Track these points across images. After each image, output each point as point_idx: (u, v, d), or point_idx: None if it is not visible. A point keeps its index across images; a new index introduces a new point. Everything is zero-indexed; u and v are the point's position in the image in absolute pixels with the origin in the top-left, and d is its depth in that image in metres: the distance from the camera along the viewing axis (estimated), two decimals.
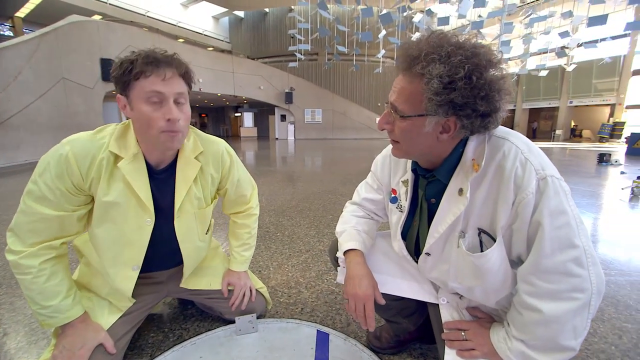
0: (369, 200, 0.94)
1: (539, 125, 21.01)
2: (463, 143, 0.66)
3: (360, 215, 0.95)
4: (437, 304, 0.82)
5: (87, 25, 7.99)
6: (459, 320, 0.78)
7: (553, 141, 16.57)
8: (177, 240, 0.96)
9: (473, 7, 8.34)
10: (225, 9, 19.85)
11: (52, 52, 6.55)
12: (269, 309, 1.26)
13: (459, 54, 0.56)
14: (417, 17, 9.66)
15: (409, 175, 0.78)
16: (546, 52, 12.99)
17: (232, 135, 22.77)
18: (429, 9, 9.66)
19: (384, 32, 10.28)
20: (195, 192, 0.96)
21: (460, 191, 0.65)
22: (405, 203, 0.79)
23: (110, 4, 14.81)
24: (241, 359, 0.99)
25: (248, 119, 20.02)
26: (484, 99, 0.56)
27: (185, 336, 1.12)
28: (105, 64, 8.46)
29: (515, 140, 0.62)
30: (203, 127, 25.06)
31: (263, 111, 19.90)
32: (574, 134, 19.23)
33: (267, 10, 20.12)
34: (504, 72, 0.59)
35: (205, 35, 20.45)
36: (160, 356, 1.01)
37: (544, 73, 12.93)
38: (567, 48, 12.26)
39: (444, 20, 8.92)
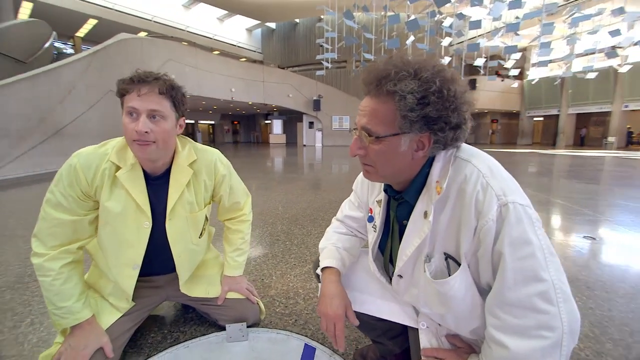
0: (351, 217, 0.94)
1: (588, 132, 19.24)
2: (429, 164, 0.65)
3: (342, 232, 0.95)
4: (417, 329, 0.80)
5: (132, 42, 8.76)
6: (436, 348, 0.75)
7: (605, 149, 15.10)
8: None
9: (508, 9, 7.94)
10: (258, 21, 20.73)
11: (101, 67, 7.26)
12: (262, 318, 1.28)
13: (427, 70, 0.57)
14: (448, 22, 9.39)
15: (382, 196, 0.77)
16: (594, 53, 11.95)
17: (262, 142, 23.51)
18: (460, 12, 9.36)
19: (412, 38, 10.12)
20: (188, 196, 1.03)
21: (425, 214, 0.64)
22: (378, 223, 0.78)
23: (154, 21, 16.13)
24: None
25: (277, 126, 20.59)
26: (455, 110, 0.58)
27: (182, 339, 1.18)
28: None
29: (478, 163, 0.60)
30: (235, 134, 26.17)
31: (292, 118, 20.36)
32: (631, 141, 17.36)
33: (297, 20, 20.72)
34: (465, 86, 0.60)
35: (238, 46, 21.48)
36: (155, 356, 1.07)
37: (592, 75, 11.90)
38: (619, 48, 11.19)
39: (476, 24, 8.59)
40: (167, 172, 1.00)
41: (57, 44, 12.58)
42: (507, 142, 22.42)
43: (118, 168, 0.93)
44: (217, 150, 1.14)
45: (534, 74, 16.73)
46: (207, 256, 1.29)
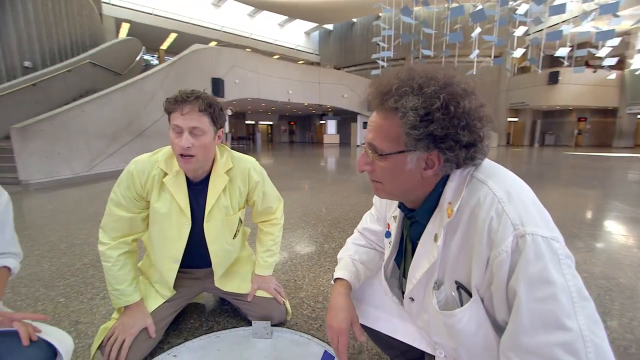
0: (370, 230, 0.92)
1: None
2: (444, 182, 0.60)
3: (361, 244, 0.93)
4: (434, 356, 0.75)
5: (204, 52, 9.72)
6: None
7: None
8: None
9: None
10: (316, 24, 21.21)
11: (178, 76, 8.23)
12: (288, 319, 1.33)
13: (432, 85, 0.53)
14: (522, 9, 8.36)
15: (398, 212, 0.74)
16: None
17: (316, 142, 23.99)
18: None
19: (478, 30, 9.26)
20: (224, 201, 1.13)
21: (435, 237, 0.59)
22: (393, 240, 0.75)
23: (223, 31, 17.67)
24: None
25: (331, 126, 20.79)
26: (465, 128, 0.52)
27: (215, 328, 1.28)
28: (215, 82, 10.13)
29: (494, 185, 0.53)
30: (291, 134, 27.20)
31: (346, 119, 20.36)
32: None
33: (354, 20, 20.61)
34: (481, 100, 0.54)
35: (297, 50, 22.29)
36: (189, 341, 1.19)
37: None
38: None
39: (559, 9, 7.47)
40: (207, 178, 1.11)
41: (146, 57, 14.67)
42: (599, 145, 18.93)
43: (165, 174, 1.06)
44: (252, 158, 1.23)
45: None
46: (241, 254, 1.39)
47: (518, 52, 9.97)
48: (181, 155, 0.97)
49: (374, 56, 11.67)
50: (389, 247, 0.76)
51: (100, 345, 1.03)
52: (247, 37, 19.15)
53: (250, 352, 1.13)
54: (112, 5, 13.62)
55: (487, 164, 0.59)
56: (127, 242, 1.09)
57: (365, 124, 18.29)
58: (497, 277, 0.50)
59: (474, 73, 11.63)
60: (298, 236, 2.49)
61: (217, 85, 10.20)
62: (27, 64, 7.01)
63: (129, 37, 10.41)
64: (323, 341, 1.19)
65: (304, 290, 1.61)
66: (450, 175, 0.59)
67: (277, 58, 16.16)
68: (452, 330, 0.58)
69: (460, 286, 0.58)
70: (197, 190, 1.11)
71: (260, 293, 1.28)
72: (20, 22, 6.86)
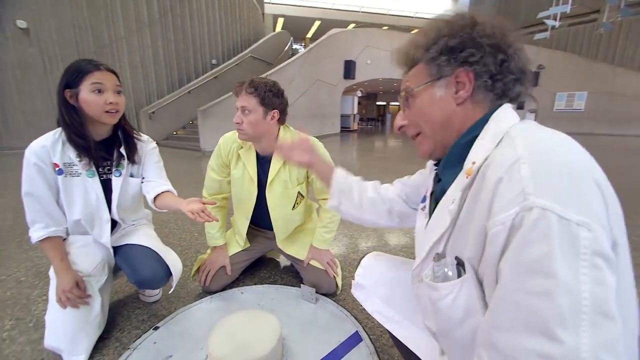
0: (406, 180, 0.82)
1: None
2: (482, 124, 0.51)
3: (378, 186, 0.85)
4: None
5: (339, 36, 10.20)
6: None
7: None
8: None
9: None
10: None
11: (313, 61, 9.06)
12: (337, 293, 1.40)
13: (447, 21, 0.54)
14: None
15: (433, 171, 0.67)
16: None
17: None
18: None
19: None
20: (283, 175, 1.30)
21: (453, 202, 0.51)
22: (427, 207, 0.65)
23: (362, 11, 17.81)
24: (293, 317, 1.23)
25: None
26: (486, 37, 0.51)
27: (279, 282, 1.51)
28: (347, 64, 10.52)
29: (521, 143, 0.42)
30: None
31: None
32: None
33: None
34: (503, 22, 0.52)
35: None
36: (255, 285, 1.46)
37: None
38: None
39: None
40: (271, 155, 1.30)
41: (295, 46, 16.72)
42: None
43: (241, 147, 1.30)
44: (315, 138, 1.31)
45: None
46: (306, 225, 1.54)
47: None
48: (238, 130, 1.20)
49: (541, 14, 9.10)
50: (422, 215, 0.67)
51: (197, 270, 1.43)
52: (386, 14, 18.61)
53: (294, 309, 1.28)
54: (271, 4, 16.05)
55: (532, 122, 0.48)
56: (218, 199, 1.42)
57: (519, 104, 14.85)
58: (488, 252, 0.40)
59: None
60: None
61: (349, 67, 10.56)
62: (213, 61, 9.37)
63: (280, 31, 12.14)
64: (359, 322, 1.20)
65: None
66: (484, 127, 0.50)
67: (416, 32, 15.03)
68: (437, 312, 0.51)
69: (459, 262, 0.49)
70: (263, 163, 1.31)
71: (315, 263, 1.40)
72: (211, 29, 9.17)
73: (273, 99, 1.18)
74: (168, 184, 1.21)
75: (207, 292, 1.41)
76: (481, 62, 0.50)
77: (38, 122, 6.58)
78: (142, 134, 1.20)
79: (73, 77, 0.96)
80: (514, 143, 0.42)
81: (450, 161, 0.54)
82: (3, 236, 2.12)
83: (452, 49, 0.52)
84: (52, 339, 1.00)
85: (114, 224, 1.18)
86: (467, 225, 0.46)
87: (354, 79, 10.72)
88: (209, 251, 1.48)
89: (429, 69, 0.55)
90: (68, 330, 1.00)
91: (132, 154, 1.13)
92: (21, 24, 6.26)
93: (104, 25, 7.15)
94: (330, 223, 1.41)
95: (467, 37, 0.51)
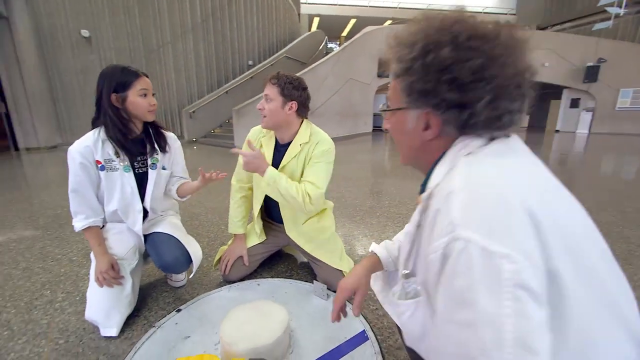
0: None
1: None
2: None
3: None
4: None
5: (374, 33, 10.04)
6: None
7: None
8: None
9: None
10: None
11: (347, 60, 9.03)
12: None
13: (420, 33, 0.48)
14: None
15: None
16: None
17: None
18: None
19: None
20: (293, 165, 1.36)
21: (411, 223, 0.54)
22: None
23: (399, 7, 17.34)
24: (303, 310, 1.27)
25: None
26: (451, 83, 0.44)
27: (294, 277, 1.56)
28: (382, 63, 10.34)
29: (463, 172, 0.43)
30: None
31: (543, 95, 15.72)
32: None
33: None
34: (497, 51, 0.43)
35: (484, 13, 18.73)
36: (271, 278, 1.52)
37: None
38: None
39: None
40: (289, 144, 1.38)
41: (329, 45, 16.76)
42: None
43: (264, 136, 1.42)
44: (331, 141, 1.38)
45: None
46: (323, 223, 1.56)
47: None
48: (262, 115, 1.30)
49: (602, 1, 8.18)
50: None
51: (219, 260, 1.53)
52: (425, 9, 17.91)
53: (306, 304, 1.32)
54: (307, 4, 16.23)
55: (503, 146, 0.47)
56: (244, 188, 1.52)
57: (574, 102, 13.50)
58: (429, 278, 0.43)
59: None
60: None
61: (382, 65, 10.36)
62: (250, 62, 9.73)
63: (315, 30, 12.26)
64: (367, 322, 1.21)
65: None
66: (445, 154, 0.50)
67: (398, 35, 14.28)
68: (402, 326, 0.53)
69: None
70: (282, 150, 1.40)
71: (325, 259, 1.42)
72: (248, 31, 9.53)
73: (292, 91, 1.26)
74: (187, 176, 1.43)
75: (227, 281, 1.50)
76: (442, 111, 0.47)
77: None
78: (168, 132, 1.35)
79: (123, 82, 1.11)
80: (455, 173, 0.43)
81: (423, 187, 0.55)
82: (61, 221, 2.42)
83: (420, 91, 0.48)
84: (90, 312, 1.15)
85: (145, 214, 1.31)
86: (422, 249, 0.48)
87: (388, 77, 10.48)
88: (229, 242, 1.58)
89: (402, 94, 0.51)
90: (103, 306, 1.13)
91: (162, 145, 1.29)
92: (85, 33, 7.03)
93: (152, 32, 7.77)
94: (289, 188, 1.27)
95: (431, 87, 0.46)
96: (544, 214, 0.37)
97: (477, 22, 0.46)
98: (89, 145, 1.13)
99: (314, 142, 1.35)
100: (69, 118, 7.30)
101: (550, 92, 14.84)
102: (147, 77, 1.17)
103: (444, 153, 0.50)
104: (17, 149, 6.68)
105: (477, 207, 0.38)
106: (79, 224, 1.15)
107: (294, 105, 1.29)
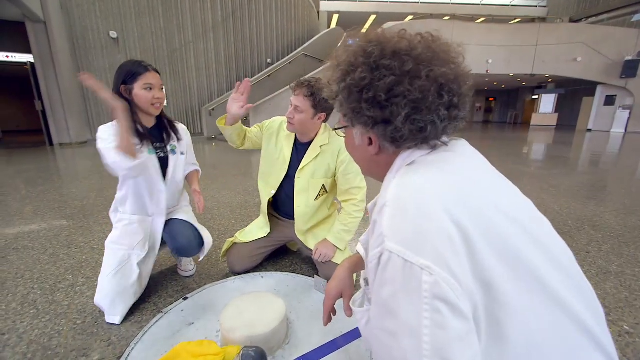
0: None
1: None
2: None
3: None
4: None
5: (394, 29, 9.86)
6: None
7: None
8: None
9: None
10: None
11: None
12: None
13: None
14: None
15: None
16: None
17: (521, 123, 19.25)
18: None
19: None
20: (314, 165, 1.41)
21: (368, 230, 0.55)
22: None
23: (421, 2, 16.90)
24: (303, 304, 1.30)
25: (547, 102, 15.89)
26: (371, 102, 0.46)
27: (297, 271, 1.60)
28: None
29: (396, 184, 0.44)
30: (488, 112, 23.15)
31: (574, 92, 14.88)
32: None
33: None
34: (407, 67, 0.44)
35: (512, 6, 17.88)
36: (274, 272, 1.56)
37: None
38: None
39: None
40: (308, 144, 1.43)
41: (350, 42, 16.61)
42: None
43: (283, 130, 1.47)
44: None
45: None
46: (327, 223, 1.58)
47: None
48: (289, 122, 1.35)
49: None
50: None
51: (226, 251, 1.59)
52: (447, 3, 17.37)
53: (307, 298, 1.35)
54: (327, 0, 16.18)
55: (443, 153, 0.47)
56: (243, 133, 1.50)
57: (608, 99, 12.64)
58: (371, 285, 0.44)
59: None
60: None
61: None
62: (268, 60, 9.86)
63: (333, 28, 12.20)
64: None
65: None
66: (394, 161, 0.51)
67: (481, 22, 13.79)
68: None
69: None
70: (300, 149, 1.45)
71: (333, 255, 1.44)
72: (267, 29, 9.66)
73: (325, 104, 1.30)
74: (196, 164, 1.55)
75: (233, 273, 1.56)
76: (370, 128, 0.49)
77: None
78: (177, 123, 1.44)
79: (130, 75, 1.18)
80: (392, 185, 0.44)
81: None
82: (86, 211, 2.59)
83: (348, 111, 0.50)
84: (98, 298, 1.23)
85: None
86: None
87: None
88: (236, 234, 1.63)
89: (340, 114, 0.54)
90: (109, 293, 1.21)
91: (176, 134, 1.38)
92: (113, 34, 7.39)
93: (175, 32, 8.05)
94: (350, 223, 1.44)
95: (355, 106, 0.48)
96: (474, 223, 0.37)
97: (392, 39, 0.47)
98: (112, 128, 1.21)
99: (334, 146, 1.40)
100: (97, 115, 7.72)
101: (582, 89, 14.02)
102: (157, 72, 1.23)
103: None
104: (51, 144, 7.15)
105: (401, 219, 0.39)
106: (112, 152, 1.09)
107: (323, 116, 1.36)
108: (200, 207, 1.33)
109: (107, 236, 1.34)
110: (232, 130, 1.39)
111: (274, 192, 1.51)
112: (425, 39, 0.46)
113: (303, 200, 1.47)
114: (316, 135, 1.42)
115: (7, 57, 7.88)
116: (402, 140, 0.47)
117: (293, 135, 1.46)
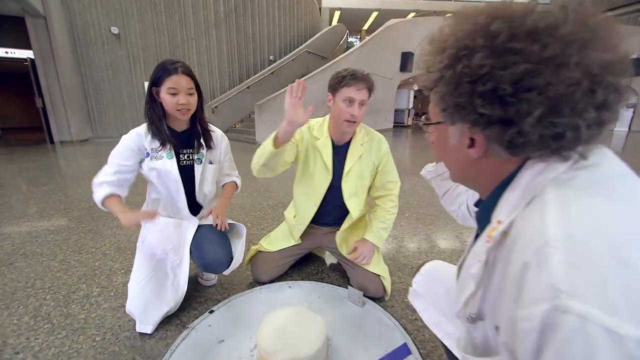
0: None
1: None
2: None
3: None
4: None
5: (396, 26, 9.75)
6: None
7: None
8: (342, 198, 1.36)
9: None
10: None
11: (369, 54, 8.82)
12: (385, 298, 1.34)
13: (452, 35, 0.39)
14: None
15: None
16: None
17: None
18: None
19: None
20: (358, 167, 1.32)
21: (478, 261, 0.44)
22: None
23: None
24: (339, 318, 1.21)
25: None
26: (489, 96, 0.36)
27: (326, 280, 1.51)
28: (404, 56, 10.04)
29: (554, 215, 0.32)
30: None
31: None
32: None
33: None
34: (551, 51, 0.33)
35: (521, 2, 17.73)
36: (302, 281, 1.47)
37: None
38: None
39: None
40: (346, 145, 1.33)
41: (350, 39, 16.48)
42: None
43: (317, 139, 1.32)
44: (382, 136, 1.37)
45: None
46: (361, 222, 1.50)
47: None
48: (348, 121, 1.20)
49: None
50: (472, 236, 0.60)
51: (250, 259, 1.50)
52: (451, 0, 17.21)
53: (340, 310, 1.26)
54: None
55: (584, 184, 0.35)
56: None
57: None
58: (520, 347, 0.33)
59: None
60: (440, 229, 2.28)
61: (405, 59, 10.04)
62: (271, 57, 9.72)
63: (335, 25, 12.06)
64: (408, 333, 1.13)
65: None
66: (516, 176, 0.40)
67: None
68: None
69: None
70: (339, 152, 1.34)
71: (365, 265, 1.35)
72: (270, 26, 9.51)
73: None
74: (234, 173, 1.45)
75: (257, 282, 1.47)
76: (481, 127, 0.38)
77: (123, 115, 7.63)
78: (215, 128, 1.34)
79: (158, 77, 1.10)
80: (545, 212, 0.33)
81: (485, 209, 0.46)
82: (94, 213, 2.48)
83: (455, 105, 0.40)
84: (130, 305, 1.15)
85: (198, 208, 1.33)
86: (501, 295, 0.38)
87: (411, 71, 10.18)
88: (261, 242, 1.54)
89: (437, 108, 0.44)
90: (142, 301, 1.13)
91: (207, 142, 1.28)
92: (114, 30, 7.23)
93: (177, 28, 7.90)
94: (387, 220, 1.38)
95: (465, 100, 0.38)
96: None
97: (527, 14, 0.35)
98: (141, 133, 1.17)
99: (374, 142, 1.33)
100: (98, 112, 7.58)
101: None
102: (188, 74, 1.12)
103: (513, 175, 0.41)
104: (52, 142, 7.01)
105: (591, 269, 0.28)
106: (100, 192, 1.09)
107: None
108: (219, 226, 1.23)
109: (119, 240, 1.25)
110: (287, 150, 1.21)
111: (315, 208, 1.40)
112: (577, 12, 0.34)
113: (355, 205, 1.38)
114: (354, 134, 1.33)
115: (7, 53, 7.70)
116: (524, 147, 0.37)
117: (329, 139, 1.32)
